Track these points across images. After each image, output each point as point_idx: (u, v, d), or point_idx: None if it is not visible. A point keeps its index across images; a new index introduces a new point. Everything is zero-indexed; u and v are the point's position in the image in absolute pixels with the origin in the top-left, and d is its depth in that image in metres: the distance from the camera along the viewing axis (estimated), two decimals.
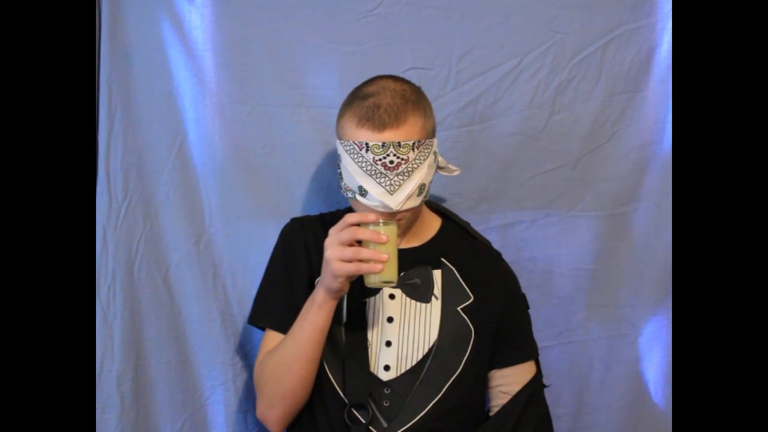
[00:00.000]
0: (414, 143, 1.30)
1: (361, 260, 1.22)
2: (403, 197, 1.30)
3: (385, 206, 1.30)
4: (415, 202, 1.33)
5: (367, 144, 1.29)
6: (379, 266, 1.22)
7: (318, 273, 1.40)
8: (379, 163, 1.29)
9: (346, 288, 1.28)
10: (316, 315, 1.30)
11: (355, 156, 1.30)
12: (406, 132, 1.30)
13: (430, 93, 1.58)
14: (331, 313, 1.31)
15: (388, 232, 1.24)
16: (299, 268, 1.44)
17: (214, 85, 1.57)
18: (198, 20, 1.55)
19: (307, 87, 1.60)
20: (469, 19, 1.63)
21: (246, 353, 1.61)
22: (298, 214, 1.59)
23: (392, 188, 1.30)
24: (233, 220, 1.60)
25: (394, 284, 1.28)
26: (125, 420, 1.51)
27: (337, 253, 1.23)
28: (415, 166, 1.31)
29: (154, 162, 1.55)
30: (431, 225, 1.48)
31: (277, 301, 1.44)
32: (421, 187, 1.33)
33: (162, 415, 1.57)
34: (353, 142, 1.30)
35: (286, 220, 1.52)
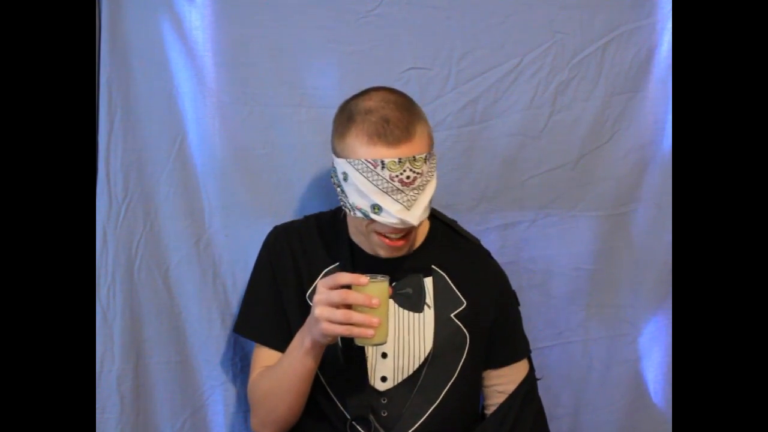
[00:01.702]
0: (426, 156, 1.29)
1: (352, 324, 1.20)
2: (420, 212, 1.29)
3: (404, 222, 1.27)
4: (426, 213, 1.32)
5: (382, 162, 1.25)
6: (370, 332, 1.19)
7: (308, 281, 1.40)
8: (396, 179, 1.26)
9: (336, 340, 1.28)
10: (304, 358, 1.30)
11: (369, 174, 1.26)
12: (418, 144, 1.28)
13: (430, 93, 1.59)
14: (320, 356, 1.31)
15: (379, 292, 1.21)
16: (287, 279, 1.43)
17: (214, 85, 1.57)
18: (198, 20, 1.55)
19: (307, 87, 1.60)
20: (469, 19, 1.63)
21: (246, 353, 1.61)
22: (298, 214, 1.59)
23: (409, 204, 1.28)
24: (233, 220, 1.59)
25: (385, 344, 1.27)
26: (125, 420, 1.51)
27: (326, 314, 1.21)
28: (428, 179, 1.30)
29: (154, 162, 1.55)
30: (420, 230, 1.46)
31: (265, 314, 1.44)
32: (431, 199, 1.32)
33: (162, 415, 1.56)
34: (366, 160, 1.26)
35: (286, 221, 1.52)
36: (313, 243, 1.45)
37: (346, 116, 1.32)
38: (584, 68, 1.66)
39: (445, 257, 1.44)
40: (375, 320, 1.19)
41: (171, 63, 1.54)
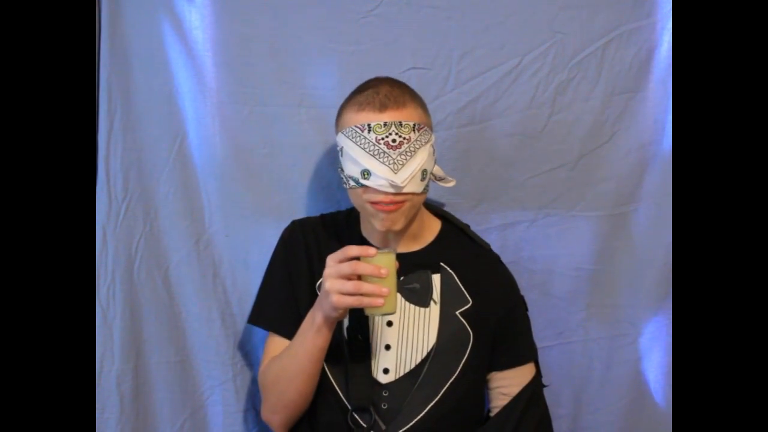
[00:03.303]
0: (414, 125, 1.32)
1: (362, 294, 1.22)
2: (407, 175, 1.31)
3: (391, 183, 1.30)
4: (418, 186, 1.33)
5: (369, 125, 1.31)
6: (380, 301, 1.21)
7: (319, 275, 1.41)
8: (381, 142, 1.30)
9: (345, 314, 1.29)
10: (315, 336, 1.30)
11: (358, 139, 1.31)
12: (407, 114, 1.33)
13: (430, 93, 1.59)
14: (331, 334, 1.31)
15: (387, 263, 1.23)
16: (300, 271, 1.45)
17: (214, 85, 1.57)
18: (198, 20, 1.55)
19: (307, 87, 1.60)
20: (469, 19, 1.63)
21: (246, 353, 1.61)
22: (298, 214, 1.59)
23: (396, 167, 1.31)
24: (233, 220, 1.60)
25: (394, 314, 1.28)
26: (125, 420, 1.51)
27: (337, 286, 1.22)
28: (417, 146, 1.33)
29: (154, 162, 1.55)
30: (431, 228, 1.48)
31: (278, 304, 1.45)
32: (423, 173, 1.34)
33: (162, 415, 1.57)
34: (355, 126, 1.32)
35: (286, 220, 1.52)
36: (327, 238, 1.47)
37: (346, 99, 1.39)
38: (584, 68, 1.66)
39: (455, 256, 1.46)
40: (384, 289, 1.21)
41: (171, 63, 1.55)
